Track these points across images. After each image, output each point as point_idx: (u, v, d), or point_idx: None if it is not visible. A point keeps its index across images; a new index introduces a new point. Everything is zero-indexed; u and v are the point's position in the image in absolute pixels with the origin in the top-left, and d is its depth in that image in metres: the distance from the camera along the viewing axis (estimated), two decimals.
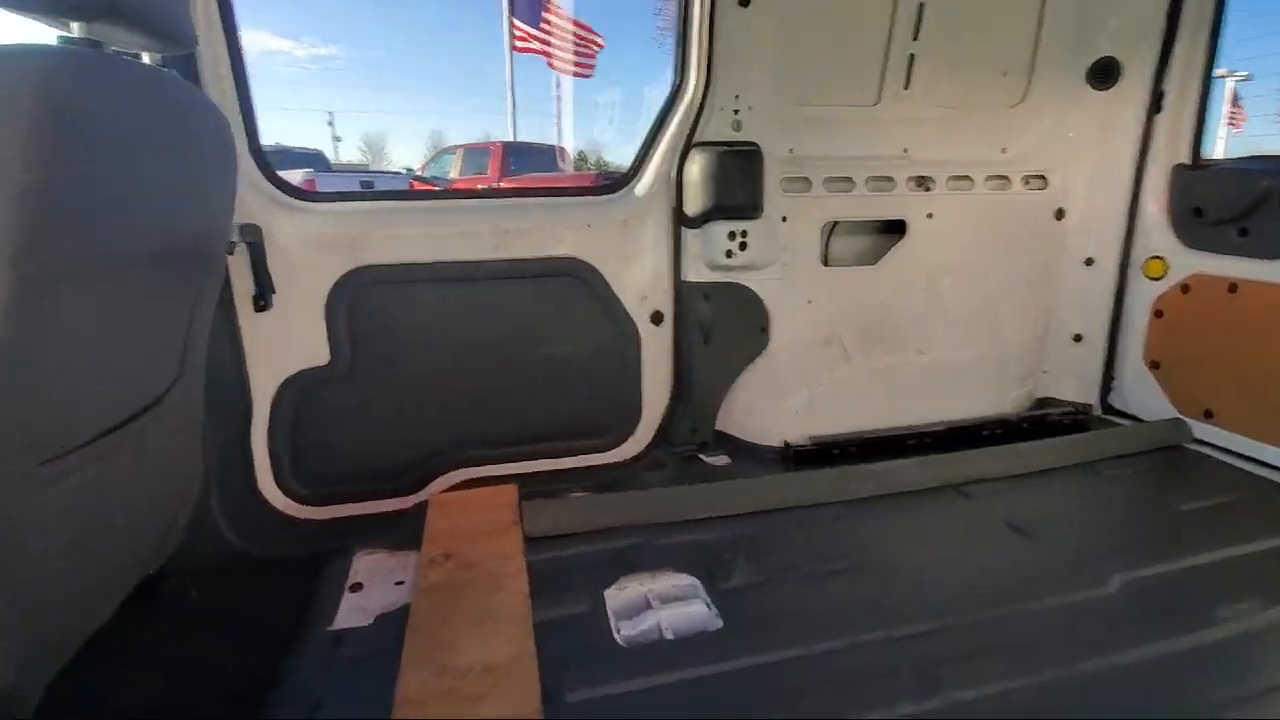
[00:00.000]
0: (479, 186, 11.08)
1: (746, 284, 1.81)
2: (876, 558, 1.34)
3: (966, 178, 1.96)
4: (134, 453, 1.03)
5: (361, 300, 1.59)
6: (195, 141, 1.04)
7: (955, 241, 1.97)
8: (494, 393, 1.73)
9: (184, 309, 1.15)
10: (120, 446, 0.98)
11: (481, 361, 1.70)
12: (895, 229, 1.95)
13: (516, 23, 14.19)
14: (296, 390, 1.58)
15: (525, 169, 11.22)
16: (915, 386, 1.95)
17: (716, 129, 1.74)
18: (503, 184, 10.98)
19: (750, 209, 1.74)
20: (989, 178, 1.98)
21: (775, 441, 1.85)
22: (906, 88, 1.87)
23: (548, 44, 13.96)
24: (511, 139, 14.19)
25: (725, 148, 1.70)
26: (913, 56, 1.84)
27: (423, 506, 1.50)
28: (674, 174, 1.74)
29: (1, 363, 0.68)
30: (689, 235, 1.76)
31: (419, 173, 12.28)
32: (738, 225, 1.73)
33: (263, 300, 1.49)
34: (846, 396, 1.90)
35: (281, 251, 1.51)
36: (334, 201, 1.60)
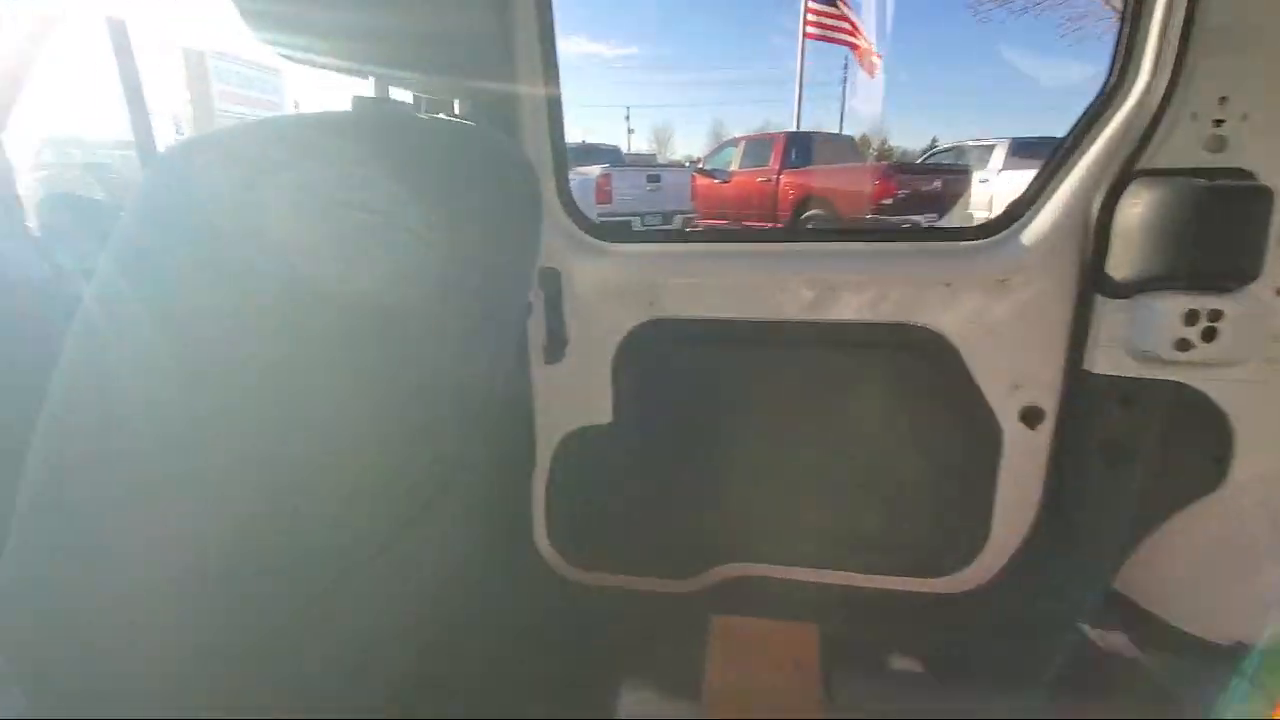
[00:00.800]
0: (758, 180, 10.82)
1: (1200, 387, 1.17)
2: None
3: None
4: (420, 537, 0.93)
5: (653, 357, 1.38)
6: (498, 196, 0.90)
7: None
8: (794, 481, 1.40)
9: (481, 366, 1.03)
10: (403, 536, 0.87)
11: (782, 442, 1.38)
12: None
13: (813, 7, 13.50)
14: (577, 447, 1.45)
15: (809, 161, 10.62)
16: None
17: (1181, 149, 1.13)
18: (782, 177, 10.56)
19: (1233, 275, 1.10)
20: None
21: (1220, 637, 1.20)
22: None
23: (843, 30, 13.01)
24: (795, 129, 13.66)
25: (1200, 179, 1.09)
26: None
27: (700, 625, 1.25)
28: (1093, 216, 1.18)
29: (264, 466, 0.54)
30: (1106, 307, 1.19)
31: (701, 166, 12.45)
32: (1203, 300, 1.11)
33: (555, 351, 1.37)
34: None
35: (577, 299, 1.37)
36: (634, 242, 1.41)
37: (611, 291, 1.37)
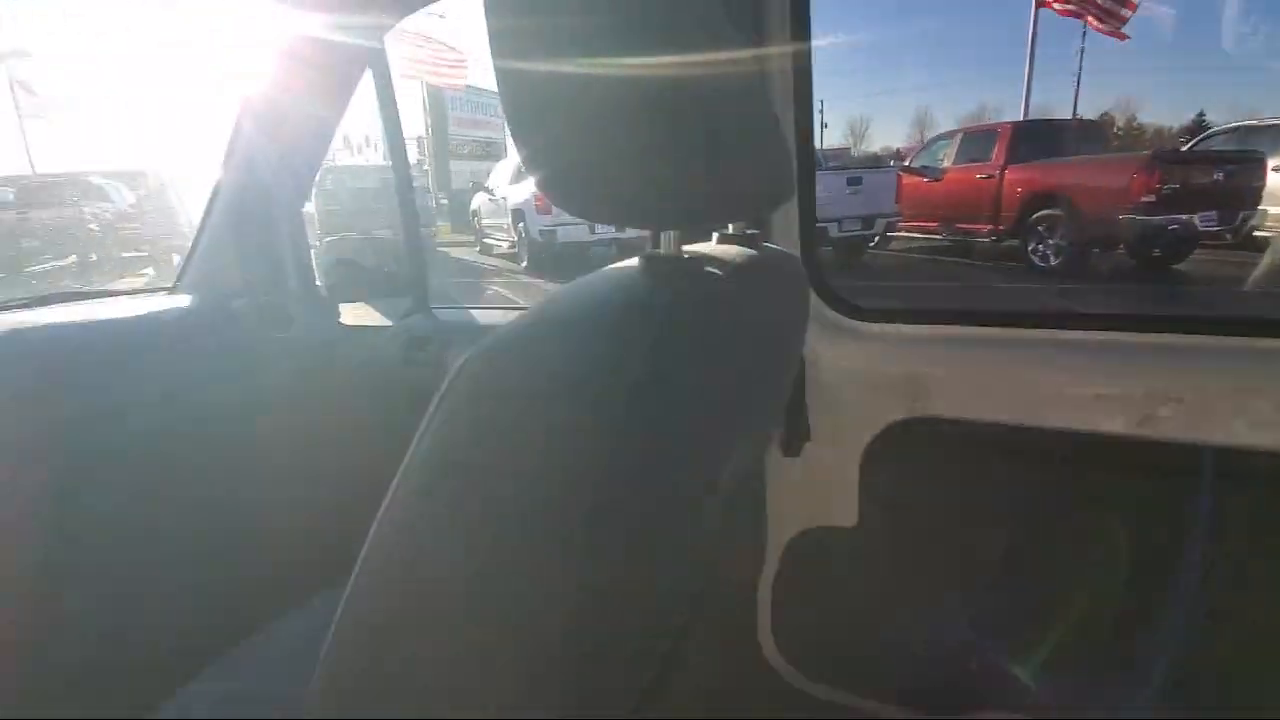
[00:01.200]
0: (977, 177, 9.63)
1: None
2: None
3: None
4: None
5: (913, 461, 1.19)
6: (772, 308, 0.81)
7: None
8: (1095, 628, 1.12)
9: (729, 468, 0.95)
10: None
11: (1089, 582, 1.11)
12: None
13: None
14: (812, 545, 1.30)
15: (1043, 153, 9.17)
16: None
17: None
18: (1008, 173, 9.28)
19: None
20: None
21: None
22: None
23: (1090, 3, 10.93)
24: (1023, 117, 11.99)
25: None
26: None
27: None
28: None
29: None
30: None
31: (908, 163, 11.39)
32: None
33: (795, 444, 1.24)
34: None
35: (825, 387, 1.22)
36: (897, 323, 1.22)
37: (866, 381, 1.20)
